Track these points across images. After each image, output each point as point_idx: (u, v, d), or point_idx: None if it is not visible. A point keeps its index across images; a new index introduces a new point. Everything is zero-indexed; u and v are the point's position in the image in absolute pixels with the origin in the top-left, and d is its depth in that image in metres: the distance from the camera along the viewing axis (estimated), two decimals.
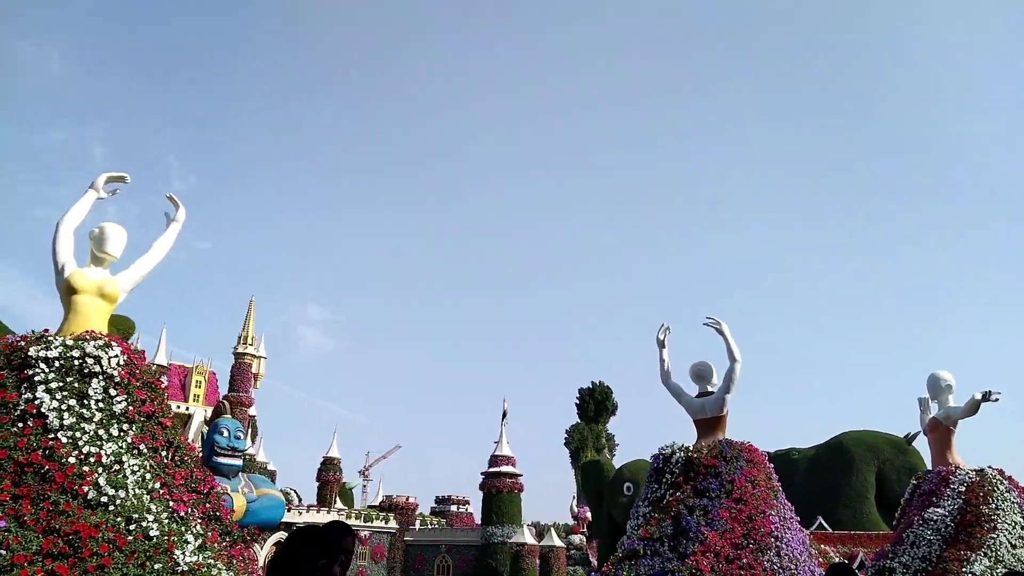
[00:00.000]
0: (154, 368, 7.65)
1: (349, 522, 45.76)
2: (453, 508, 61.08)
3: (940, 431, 21.00)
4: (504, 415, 53.07)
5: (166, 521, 5.99)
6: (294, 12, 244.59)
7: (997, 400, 20.16)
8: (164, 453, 6.82)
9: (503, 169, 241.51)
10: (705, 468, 12.50)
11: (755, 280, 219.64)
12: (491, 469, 49.02)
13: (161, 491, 6.35)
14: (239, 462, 42.30)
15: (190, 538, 6.02)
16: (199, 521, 6.57)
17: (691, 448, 12.66)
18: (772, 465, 14.10)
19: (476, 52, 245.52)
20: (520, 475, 49.13)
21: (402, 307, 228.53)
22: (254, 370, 59.89)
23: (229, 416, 44.29)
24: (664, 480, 12.47)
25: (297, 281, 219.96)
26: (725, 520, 11.87)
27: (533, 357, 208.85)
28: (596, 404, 74.97)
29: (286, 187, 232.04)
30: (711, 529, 11.77)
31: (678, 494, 12.39)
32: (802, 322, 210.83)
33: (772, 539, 12.05)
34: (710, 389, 13.17)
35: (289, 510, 41.41)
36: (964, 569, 17.51)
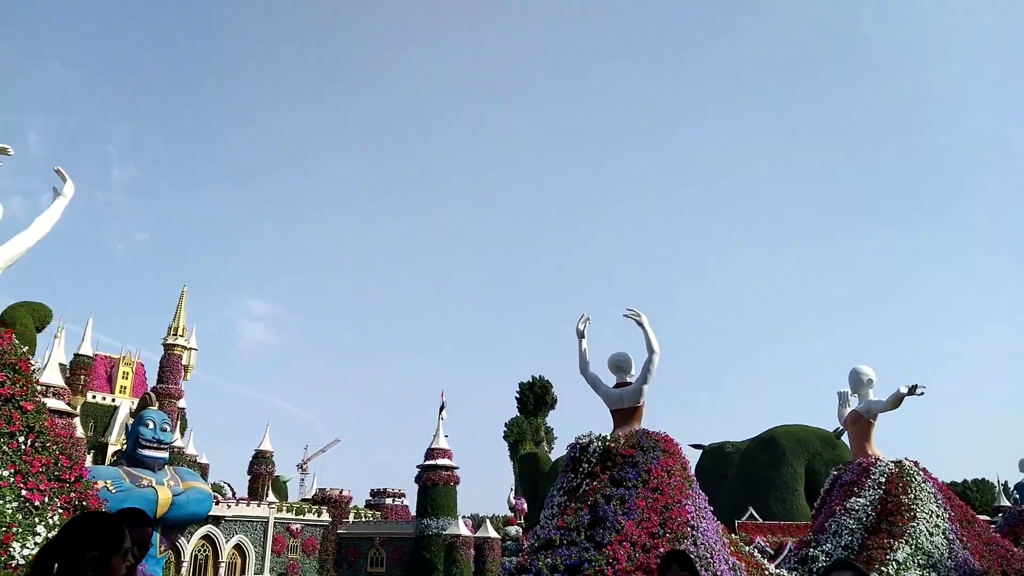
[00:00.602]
0: (21, 350, 7.05)
1: (281, 515, 44.83)
2: (388, 501, 60.35)
3: (861, 424, 21.36)
4: (442, 408, 52.67)
5: (10, 512, 5.48)
6: (239, 5, 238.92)
7: (923, 394, 20.53)
8: (22, 439, 6.27)
9: (451, 165, 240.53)
10: (622, 458, 12.37)
11: (695, 277, 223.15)
12: (427, 462, 48.55)
13: (13, 479, 5.83)
14: (165, 455, 40.16)
15: (41, 530, 5.52)
16: (59, 512, 6.06)
17: (608, 438, 12.52)
18: (689, 454, 14.13)
19: (435, 52, 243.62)
20: (456, 467, 48.77)
21: (346, 303, 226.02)
22: (185, 362, 58.23)
23: (155, 408, 42.19)
24: (581, 469, 12.29)
25: (238, 276, 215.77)
26: (642, 509, 11.74)
27: (475, 352, 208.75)
28: (536, 398, 75.14)
29: (229, 181, 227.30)
30: (628, 518, 11.62)
31: (595, 483, 12.23)
32: (739, 317, 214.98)
33: (689, 528, 11.98)
34: (628, 380, 13.06)
35: (218, 503, 40.33)
36: (888, 557, 17.85)
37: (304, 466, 73.03)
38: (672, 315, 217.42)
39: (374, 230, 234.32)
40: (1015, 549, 20.94)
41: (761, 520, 44.12)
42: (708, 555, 11.70)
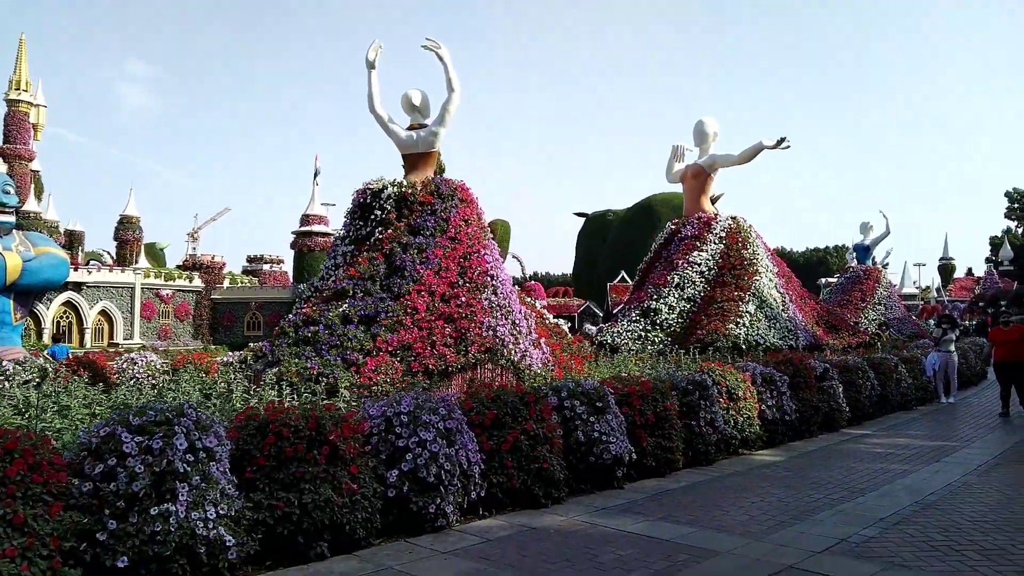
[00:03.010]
0: None
1: (149, 281, 43.61)
2: (266, 267, 59.80)
3: (701, 178, 21.23)
4: (316, 173, 50.93)
5: None
6: None
7: (788, 148, 20.11)
8: None
9: None
10: (420, 205, 11.69)
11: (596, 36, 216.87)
12: (302, 228, 47.79)
13: None
14: (11, 219, 37.83)
15: None
16: None
17: (404, 184, 11.72)
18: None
19: None
20: (332, 234, 48.11)
21: (231, 65, 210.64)
22: (33, 120, 53.39)
23: None
24: (372, 217, 11.56)
25: (115, 33, 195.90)
26: (440, 259, 11.27)
27: (358, 115, 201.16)
28: None
29: None
30: (426, 268, 11.16)
31: (390, 231, 11.60)
32: (633, 84, 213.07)
33: (488, 278, 11.66)
34: (425, 122, 12.05)
35: (76, 269, 38.61)
36: (741, 309, 18.51)
37: (195, 234, 70.87)
38: (577, 82, 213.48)
39: None
40: (822, 304, 22.25)
41: (631, 281, 45.99)
42: (507, 303, 11.50)
